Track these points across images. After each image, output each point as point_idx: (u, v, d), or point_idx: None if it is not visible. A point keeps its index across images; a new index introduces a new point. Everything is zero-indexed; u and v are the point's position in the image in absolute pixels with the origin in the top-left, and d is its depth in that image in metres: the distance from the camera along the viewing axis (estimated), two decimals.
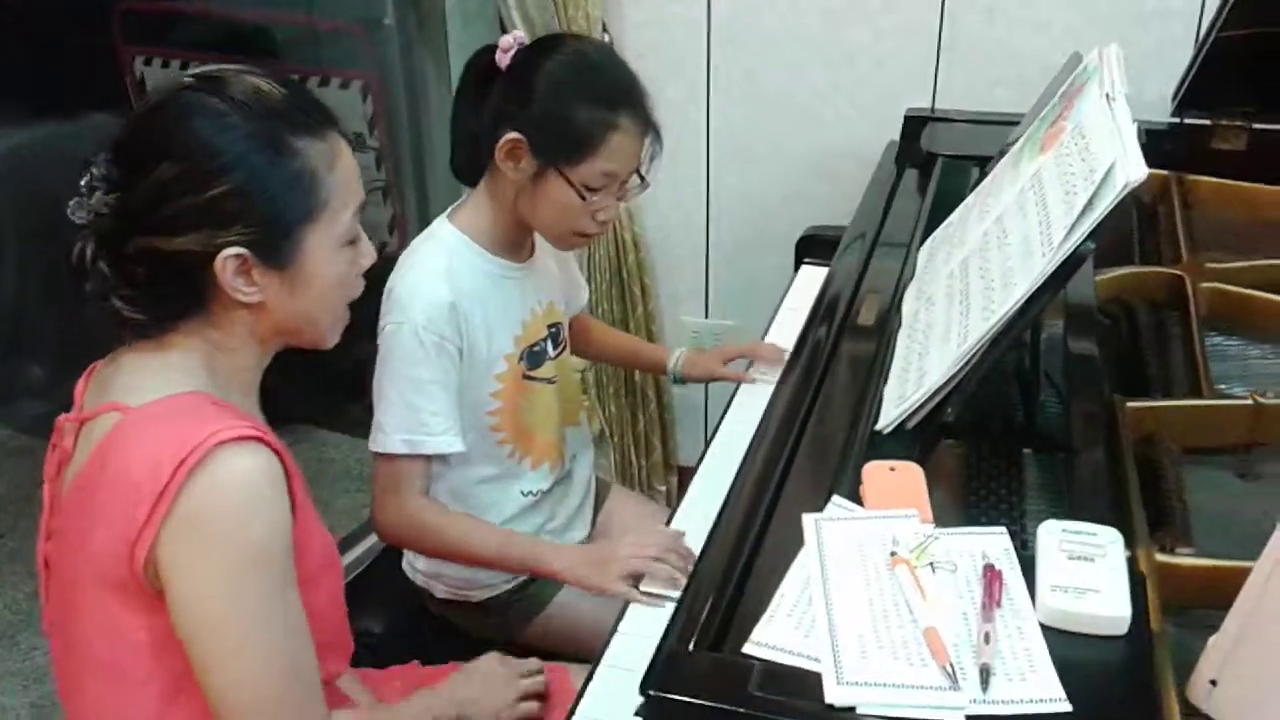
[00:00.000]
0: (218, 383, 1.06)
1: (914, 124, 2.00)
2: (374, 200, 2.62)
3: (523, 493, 1.57)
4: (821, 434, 1.24)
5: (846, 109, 2.25)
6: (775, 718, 0.86)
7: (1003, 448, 1.20)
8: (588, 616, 1.51)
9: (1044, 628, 0.93)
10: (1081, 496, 1.09)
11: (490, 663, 1.33)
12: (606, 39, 2.23)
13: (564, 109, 1.38)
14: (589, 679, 1.17)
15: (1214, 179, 1.74)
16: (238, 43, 2.81)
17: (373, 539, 2.01)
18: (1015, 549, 1.01)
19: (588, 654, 1.26)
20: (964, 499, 1.14)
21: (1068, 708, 0.85)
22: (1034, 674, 0.88)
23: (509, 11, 2.17)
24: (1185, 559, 1.02)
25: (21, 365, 3.07)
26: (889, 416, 1.19)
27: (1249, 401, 1.21)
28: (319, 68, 2.67)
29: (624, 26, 2.31)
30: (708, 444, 1.55)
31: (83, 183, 1.02)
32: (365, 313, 1.23)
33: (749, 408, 1.57)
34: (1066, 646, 0.91)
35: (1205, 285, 1.44)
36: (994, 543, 1.02)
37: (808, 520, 1.06)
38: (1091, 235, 1.05)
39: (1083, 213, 1.05)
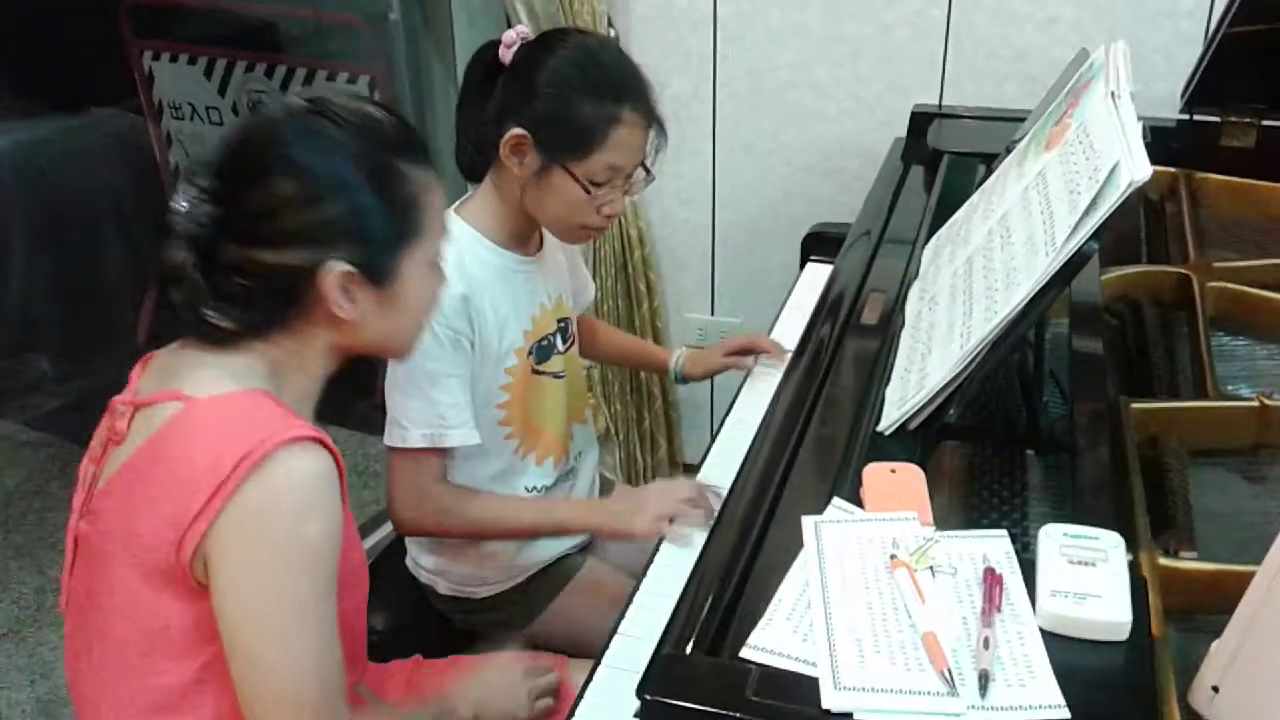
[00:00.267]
0: (279, 386, 1.08)
1: (920, 120, 1.99)
2: None
3: (527, 488, 1.56)
4: (823, 435, 1.23)
5: (852, 105, 2.24)
6: None
7: (1005, 449, 1.19)
8: (589, 615, 1.51)
9: (1043, 633, 0.92)
10: (1084, 499, 1.08)
11: (505, 661, 1.33)
12: (612, 34, 2.22)
13: (568, 103, 1.37)
14: (589, 679, 1.17)
15: (1223, 176, 1.73)
16: (246, 37, 2.81)
17: (376, 535, 2.02)
18: (1016, 552, 1.01)
19: (588, 653, 1.26)
20: (965, 501, 1.14)
21: (1067, 715, 0.84)
22: (1033, 680, 0.88)
23: (514, 6, 2.17)
24: (1189, 563, 1.01)
25: (29, 360, 3.08)
26: (890, 418, 1.18)
27: (1255, 403, 1.20)
28: (325, 61, 2.67)
29: (630, 21, 2.31)
30: (712, 441, 1.55)
31: (182, 194, 1.05)
32: None
33: (753, 405, 1.57)
34: (1066, 652, 0.90)
35: (1212, 285, 1.43)
36: (995, 546, 1.01)
37: (807, 523, 1.05)
38: (1095, 235, 1.04)
39: (1086, 212, 1.04)
